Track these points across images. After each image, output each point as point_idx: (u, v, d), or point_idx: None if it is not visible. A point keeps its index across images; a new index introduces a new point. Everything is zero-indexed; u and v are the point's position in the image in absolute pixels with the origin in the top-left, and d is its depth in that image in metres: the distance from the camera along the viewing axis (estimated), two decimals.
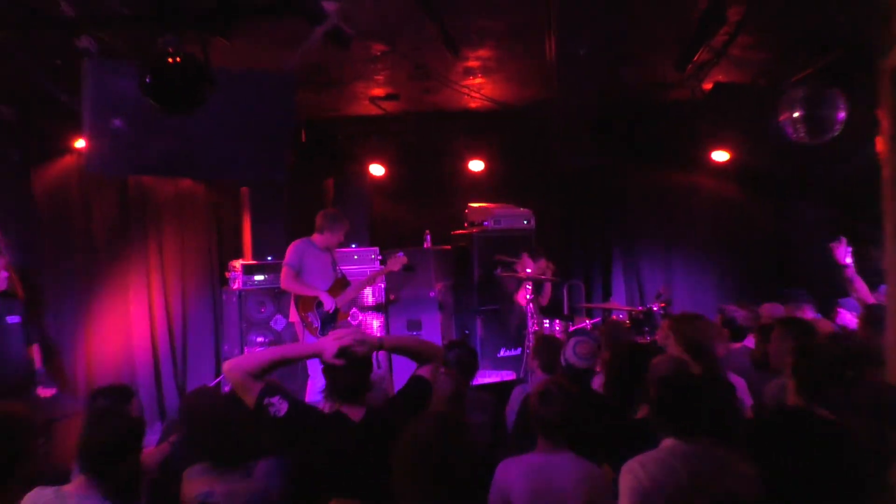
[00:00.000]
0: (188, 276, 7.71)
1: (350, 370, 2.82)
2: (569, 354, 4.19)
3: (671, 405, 2.79)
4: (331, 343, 2.82)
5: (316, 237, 6.10)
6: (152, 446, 3.77)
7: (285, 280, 5.93)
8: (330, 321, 5.94)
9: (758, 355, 4.42)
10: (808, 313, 5.51)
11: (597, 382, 4.15)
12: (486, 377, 6.76)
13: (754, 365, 4.41)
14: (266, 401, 2.73)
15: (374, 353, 2.95)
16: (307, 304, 5.93)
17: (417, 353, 3.10)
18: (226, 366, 2.84)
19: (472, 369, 4.45)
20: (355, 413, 2.83)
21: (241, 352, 6.88)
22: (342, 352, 2.80)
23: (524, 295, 7.28)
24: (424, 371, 3.01)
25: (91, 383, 6.82)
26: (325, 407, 2.92)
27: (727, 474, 2.57)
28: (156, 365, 7.45)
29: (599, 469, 3.06)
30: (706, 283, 8.91)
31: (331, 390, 2.88)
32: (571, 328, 7.09)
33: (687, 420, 2.75)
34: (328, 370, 2.85)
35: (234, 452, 2.86)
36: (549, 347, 4.56)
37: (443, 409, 3.33)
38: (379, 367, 6.17)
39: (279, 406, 2.71)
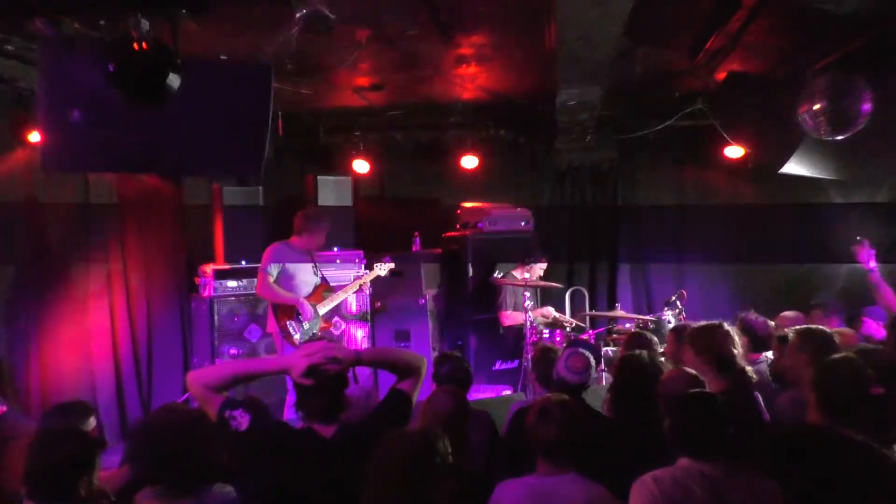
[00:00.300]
0: (154, 282, 7.68)
1: (320, 390, 2.82)
2: (560, 368, 4.21)
3: (687, 426, 2.83)
4: (299, 360, 2.81)
5: (295, 240, 6.10)
6: (114, 468, 3.75)
7: (261, 286, 5.92)
8: (311, 330, 5.93)
9: (776, 367, 4.45)
10: (835, 323, 5.54)
11: None
12: (480, 392, 6.76)
13: (772, 377, 4.44)
14: (227, 414, 2.75)
15: (352, 369, 2.96)
16: (287, 312, 5.93)
17: (399, 366, 3.10)
18: (188, 377, 2.86)
19: (465, 384, 4.45)
20: (326, 429, 2.83)
21: (213, 364, 6.86)
22: (311, 371, 2.78)
23: (510, 314, 7.30)
24: (405, 385, 3.03)
25: (46, 400, 6.77)
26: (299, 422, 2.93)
27: (749, 495, 2.60)
28: (118, 379, 7.41)
29: (606, 491, 3.08)
30: (720, 290, 8.94)
31: (300, 408, 2.88)
32: (573, 339, 7.11)
33: (704, 441, 2.79)
34: (298, 388, 2.85)
35: (190, 476, 2.85)
36: (547, 360, 4.57)
37: (442, 429, 3.33)
38: (357, 381, 6.17)
39: (241, 420, 2.73)
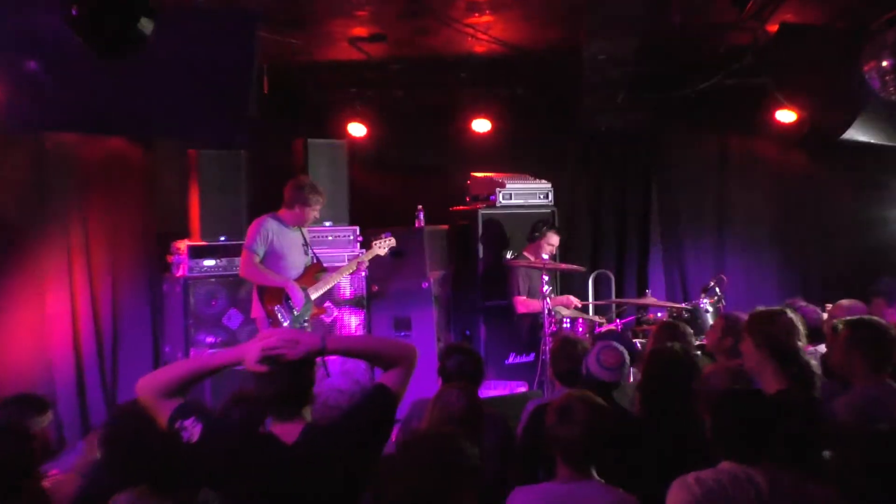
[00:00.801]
0: (120, 260, 7.70)
1: (277, 378, 2.80)
2: (591, 363, 4.24)
3: (728, 427, 2.88)
4: (254, 347, 2.82)
5: (284, 213, 6.11)
6: (70, 472, 3.80)
7: (246, 266, 5.95)
8: (301, 316, 5.96)
9: (829, 362, 4.48)
10: None
11: None
12: (491, 389, 6.80)
13: (825, 372, 4.47)
14: (178, 424, 2.75)
15: (323, 360, 2.94)
16: (274, 296, 5.96)
17: (378, 356, 3.06)
18: (138, 385, 2.84)
19: (476, 379, 4.49)
20: (289, 432, 2.81)
21: (186, 354, 6.90)
22: (266, 356, 2.78)
23: (524, 300, 7.34)
24: (388, 378, 2.95)
25: None
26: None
27: (801, 502, 2.66)
28: (79, 371, 7.45)
29: (632, 497, 3.12)
30: (766, 275, 8.95)
31: (262, 402, 2.89)
32: (598, 329, 7.14)
33: (747, 444, 2.85)
34: (255, 379, 2.84)
35: (172, 475, 2.89)
36: (568, 353, 4.60)
37: (450, 431, 3.36)
38: (328, 375, 6.18)
39: (192, 430, 2.73)
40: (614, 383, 4.27)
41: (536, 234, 7.49)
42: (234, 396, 3.64)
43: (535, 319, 7.32)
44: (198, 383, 2.89)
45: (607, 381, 4.22)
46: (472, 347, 5.19)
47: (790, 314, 4.02)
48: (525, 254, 7.45)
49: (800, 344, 3.94)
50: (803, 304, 5.63)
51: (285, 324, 5.92)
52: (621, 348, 4.36)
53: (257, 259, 5.95)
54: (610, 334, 6.85)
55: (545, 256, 7.31)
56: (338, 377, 6.34)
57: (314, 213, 6.18)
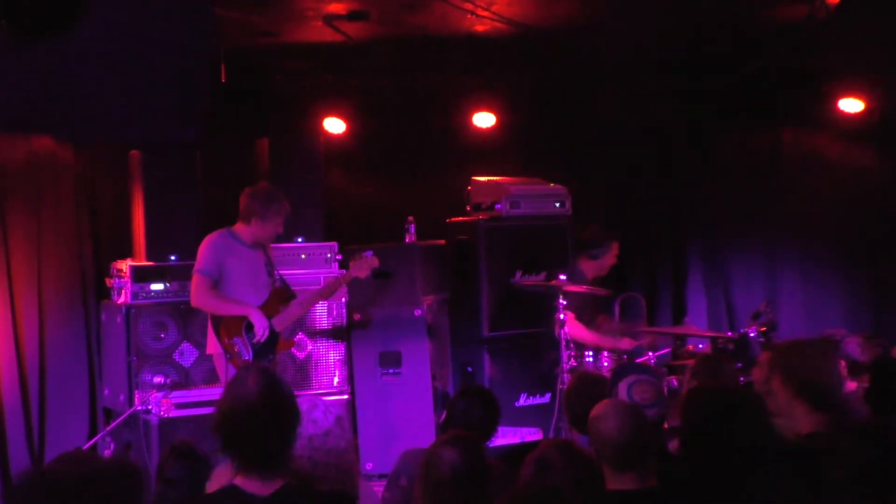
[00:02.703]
0: (47, 284, 7.68)
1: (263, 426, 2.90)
2: (622, 399, 4.22)
3: None
4: None
5: (241, 227, 6.08)
6: None
7: (198, 293, 5.92)
8: (267, 351, 5.92)
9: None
10: None
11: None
12: (498, 437, 6.74)
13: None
14: None
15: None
16: (233, 327, 5.93)
17: None
18: None
19: (486, 429, 4.48)
20: (263, 486, 2.88)
21: (130, 398, 6.85)
22: None
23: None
24: None
25: None
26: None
27: None
28: None
29: None
30: (829, 296, 8.93)
31: (231, 454, 2.93)
32: (625, 360, 7.10)
33: None
34: (220, 439, 2.94)
35: None
36: (587, 393, 4.57)
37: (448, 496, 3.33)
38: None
39: None
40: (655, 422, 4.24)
41: (595, 250, 7.48)
42: (175, 450, 3.64)
43: (551, 352, 7.27)
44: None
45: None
46: (487, 390, 5.17)
47: (822, 345, 4.03)
48: (580, 267, 7.44)
49: (835, 380, 3.93)
50: (843, 333, 5.72)
51: (246, 358, 5.87)
52: (656, 380, 4.35)
53: (211, 283, 5.91)
54: (637, 367, 6.83)
55: (563, 277, 7.23)
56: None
57: (277, 226, 6.13)
